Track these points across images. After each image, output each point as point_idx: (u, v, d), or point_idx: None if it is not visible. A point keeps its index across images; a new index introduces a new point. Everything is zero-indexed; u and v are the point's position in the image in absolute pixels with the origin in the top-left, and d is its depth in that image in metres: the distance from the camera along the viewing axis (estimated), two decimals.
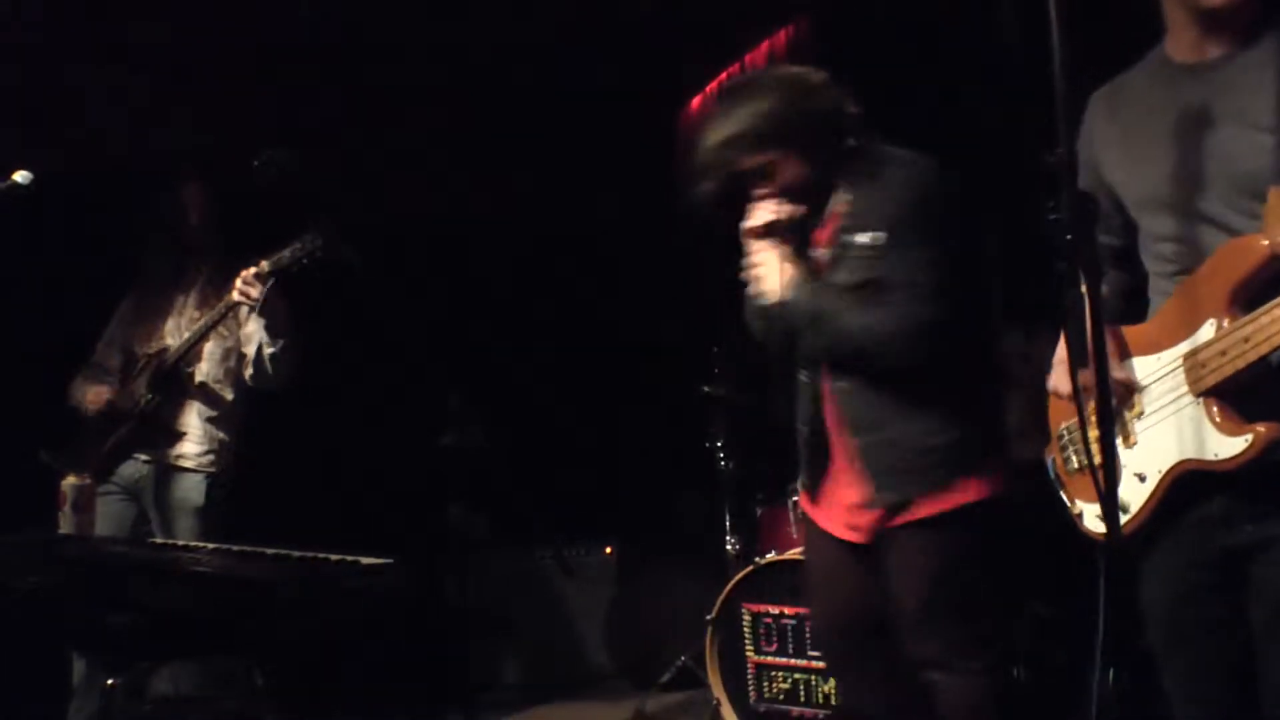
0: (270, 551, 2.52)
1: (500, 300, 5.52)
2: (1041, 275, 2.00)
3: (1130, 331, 2.07)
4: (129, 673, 2.75)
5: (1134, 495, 2.01)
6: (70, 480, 3.25)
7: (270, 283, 3.37)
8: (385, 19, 4.47)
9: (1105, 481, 1.67)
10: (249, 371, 3.62)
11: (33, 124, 4.23)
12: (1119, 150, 2.07)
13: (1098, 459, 1.68)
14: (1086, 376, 1.92)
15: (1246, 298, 1.81)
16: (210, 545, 2.71)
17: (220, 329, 3.55)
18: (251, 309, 3.44)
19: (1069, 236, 1.66)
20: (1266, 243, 1.78)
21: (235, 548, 2.63)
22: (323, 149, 4.62)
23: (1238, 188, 1.87)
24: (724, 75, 5.86)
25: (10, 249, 3.81)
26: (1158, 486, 1.96)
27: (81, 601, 2.76)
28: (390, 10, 4.43)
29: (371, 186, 5.10)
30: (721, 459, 4.46)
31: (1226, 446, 1.83)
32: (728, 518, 4.41)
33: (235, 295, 3.38)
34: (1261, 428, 1.80)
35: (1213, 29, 1.92)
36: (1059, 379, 2.20)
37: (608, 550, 5.09)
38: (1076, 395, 1.82)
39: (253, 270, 3.37)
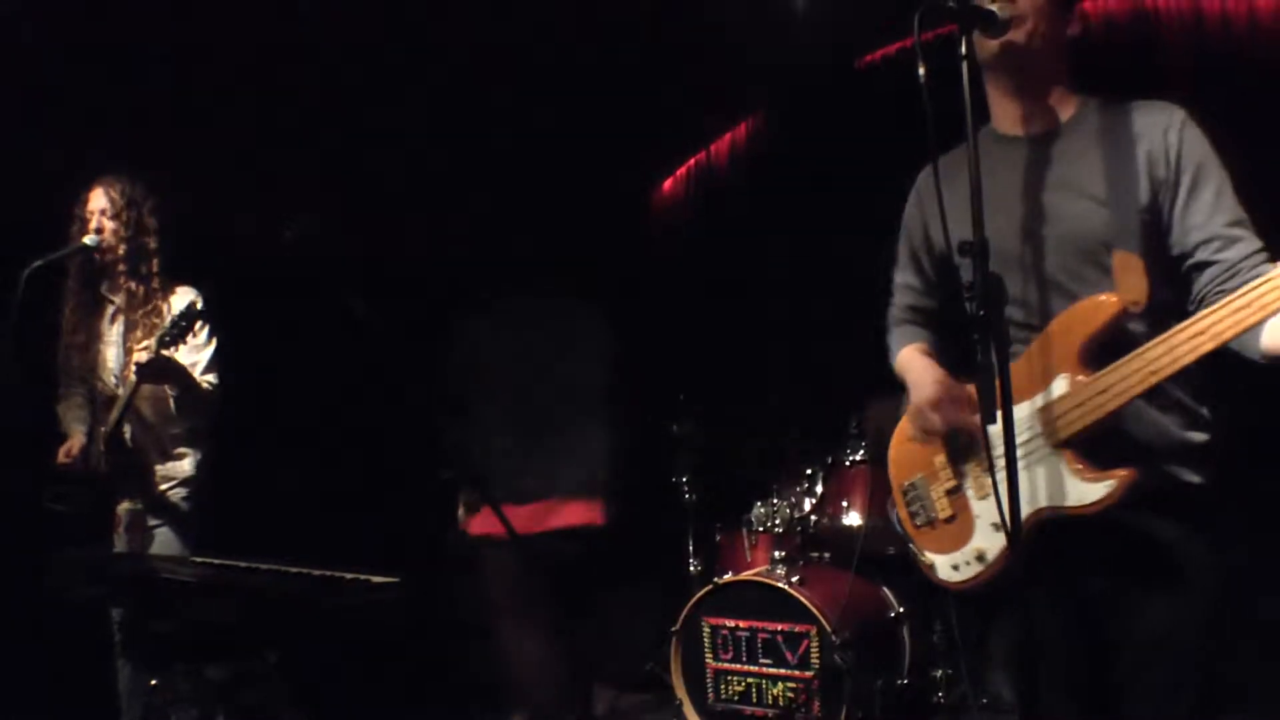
0: (294, 570, 2.53)
1: None
2: None
3: (973, 389, 1.90)
4: (169, 673, 2.75)
5: (992, 544, 1.93)
6: (125, 505, 3.20)
7: (160, 359, 2.98)
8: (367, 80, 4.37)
9: (1010, 527, 1.64)
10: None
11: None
12: (955, 216, 1.87)
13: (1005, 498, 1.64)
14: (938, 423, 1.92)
15: (1093, 354, 1.79)
16: (242, 564, 2.71)
17: None
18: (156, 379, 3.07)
19: (980, 313, 1.66)
20: (1116, 300, 1.77)
21: (263, 566, 2.62)
22: (327, 191, 4.58)
23: (1068, 250, 1.86)
24: (691, 161, 5.99)
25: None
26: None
27: (131, 611, 2.80)
28: (375, 77, 4.37)
29: (375, 237, 5.00)
30: (686, 491, 4.50)
31: (1089, 493, 1.77)
32: (690, 542, 4.45)
33: (132, 378, 3.00)
34: (1121, 472, 1.75)
35: (1024, 102, 1.94)
36: (934, 418, 1.99)
37: None
38: (988, 447, 1.79)
39: (142, 359, 2.97)
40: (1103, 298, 1.80)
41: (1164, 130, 1.83)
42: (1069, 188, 1.89)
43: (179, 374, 3.11)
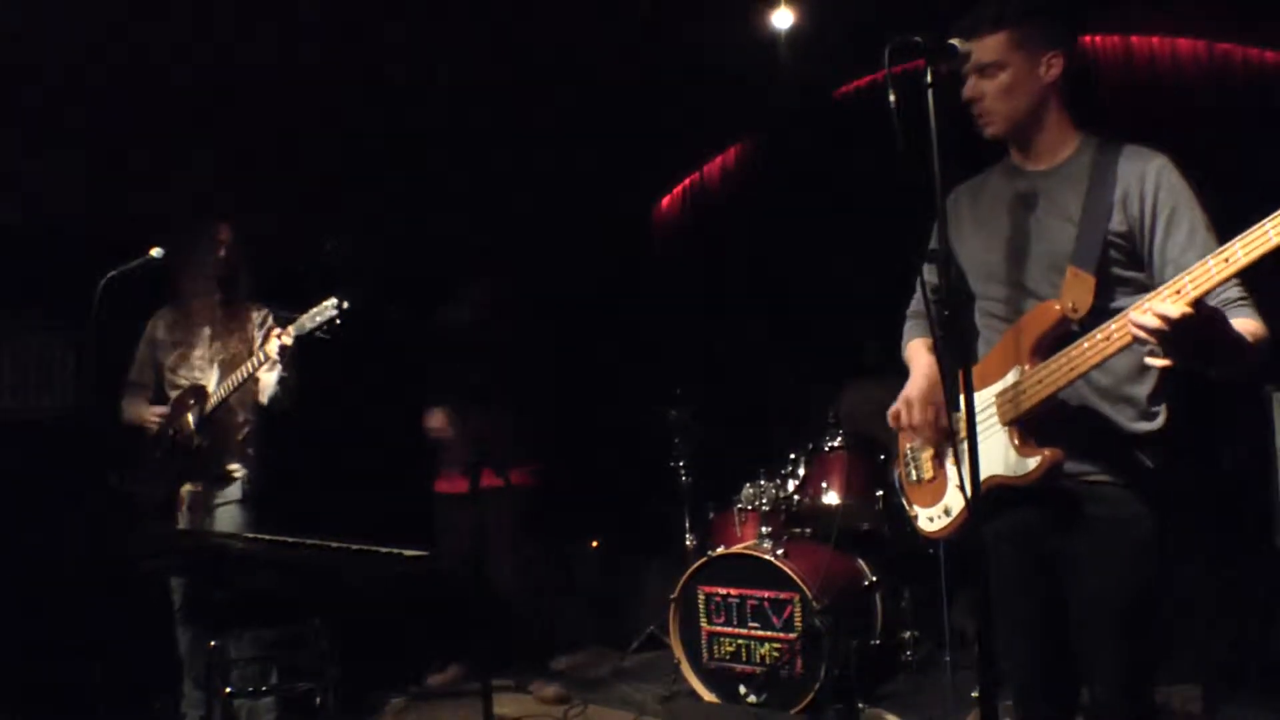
0: (334, 544, 2.54)
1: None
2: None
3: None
4: (227, 636, 2.76)
5: (956, 503, 2.05)
6: (188, 487, 3.22)
7: (295, 346, 3.11)
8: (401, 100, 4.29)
9: (972, 493, 1.67)
10: (265, 397, 3.33)
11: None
12: (970, 233, 2.09)
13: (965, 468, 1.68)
14: (927, 411, 2.05)
15: (1044, 350, 1.87)
16: (290, 539, 2.70)
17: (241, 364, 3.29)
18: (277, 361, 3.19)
19: (945, 312, 1.70)
20: (1058, 307, 1.86)
21: (308, 541, 2.56)
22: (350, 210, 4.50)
23: (1045, 264, 1.93)
24: (686, 181, 6.00)
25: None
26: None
27: (194, 581, 2.81)
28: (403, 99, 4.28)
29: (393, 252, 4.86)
30: (683, 474, 4.50)
31: (1023, 466, 1.87)
32: (687, 519, 4.45)
33: (273, 354, 3.11)
34: (1048, 452, 1.85)
35: (1029, 149, 2.00)
36: (910, 414, 2.12)
37: (594, 544, 5.12)
38: (951, 425, 1.82)
39: (281, 338, 3.09)
40: (1048, 304, 1.89)
41: (1140, 176, 1.87)
42: (1053, 212, 1.94)
43: (295, 360, 3.23)
